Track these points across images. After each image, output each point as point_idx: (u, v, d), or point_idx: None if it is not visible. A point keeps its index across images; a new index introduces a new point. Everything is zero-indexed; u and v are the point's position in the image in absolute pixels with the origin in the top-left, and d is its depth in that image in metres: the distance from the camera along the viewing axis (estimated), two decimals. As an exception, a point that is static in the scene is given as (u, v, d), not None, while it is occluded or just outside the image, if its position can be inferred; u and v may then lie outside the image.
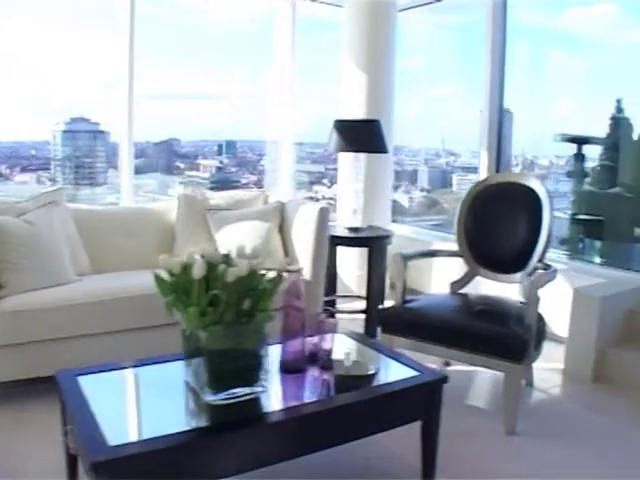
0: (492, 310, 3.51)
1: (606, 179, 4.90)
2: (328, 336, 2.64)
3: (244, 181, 6.29)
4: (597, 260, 4.84)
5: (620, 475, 2.88)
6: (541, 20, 5.13)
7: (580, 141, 4.99)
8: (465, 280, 3.96)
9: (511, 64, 5.04)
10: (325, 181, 6.59)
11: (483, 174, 5.04)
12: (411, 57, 5.99)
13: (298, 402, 2.49)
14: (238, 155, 6.41)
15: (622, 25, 4.62)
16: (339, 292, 5.02)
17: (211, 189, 5.53)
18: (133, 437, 2.15)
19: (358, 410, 2.48)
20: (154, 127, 5.68)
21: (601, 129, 4.89)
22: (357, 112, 5.23)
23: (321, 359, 2.62)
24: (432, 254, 4.23)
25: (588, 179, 5.08)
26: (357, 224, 4.73)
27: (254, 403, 2.38)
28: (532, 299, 3.27)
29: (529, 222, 3.74)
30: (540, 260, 3.68)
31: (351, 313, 4.71)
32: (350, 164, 4.91)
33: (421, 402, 2.67)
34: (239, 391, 2.37)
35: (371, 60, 5.38)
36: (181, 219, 4.34)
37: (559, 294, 4.03)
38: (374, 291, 4.53)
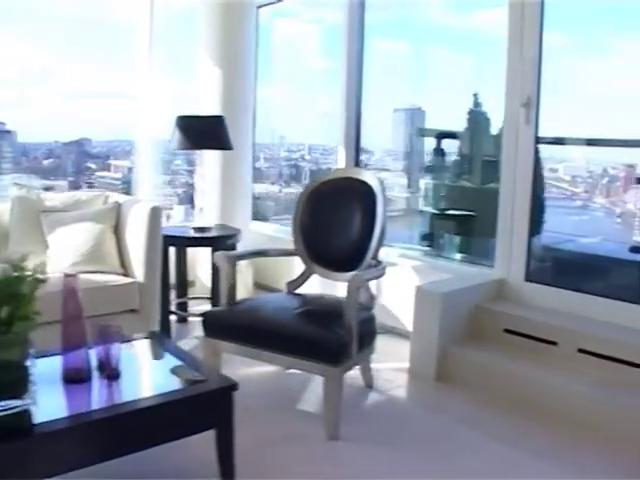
0: (318, 311, 3.38)
1: (464, 173, 4.80)
2: (115, 344, 2.53)
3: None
4: (456, 256, 4.71)
5: (442, 475, 2.80)
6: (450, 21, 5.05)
7: (441, 136, 4.88)
8: (302, 279, 3.81)
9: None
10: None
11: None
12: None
13: (73, 412, 2.36)
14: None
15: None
16: (200, 294, 4.88)
17: (124, 191, 5.44)
18: None
19: (137, 419, 2.36)
20: (64, 126, 5.54)
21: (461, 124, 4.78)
22: (212, 108, 5.04)
23: (106, 368, 2.53)
24: (263, 253, 4.04)
25: (448, 174, 4.98)
26: (204, 223, 4.53)
27: (22, 416, 2.20)
28: (350, 299, 3.13)
29: (364, 218, 3.62)
30: (374, 257, 3.53)
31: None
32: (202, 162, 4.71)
33: (208, 410, 2.53)
34: (4, 404, 2.19)
35: (227, 55, 5.19)
36: (14, 221, 4.10)
37: (410, 291, 3.93)
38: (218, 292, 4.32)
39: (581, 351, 3.58)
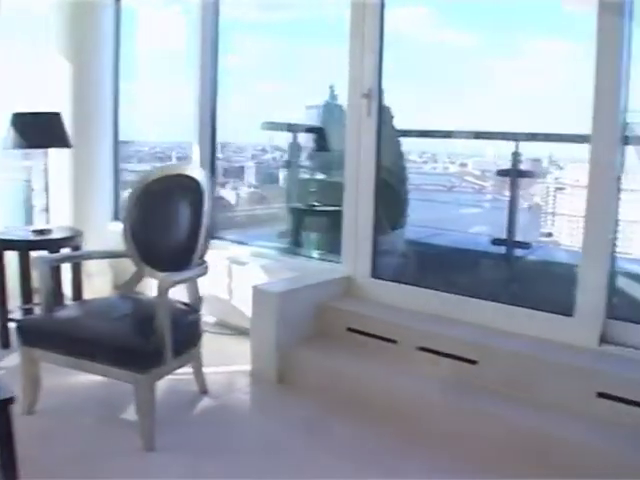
0: (136, 316, 3.20)
1: (321, 167, 4.68)
2: None
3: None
4: (313, 253, 4.57)
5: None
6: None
7: (295, 129, 4.76)
8: (133, 281, 3.63)
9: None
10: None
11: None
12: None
13: None
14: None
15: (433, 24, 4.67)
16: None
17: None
18: None
19: None
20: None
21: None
22: (61, 105, 4.78)
23: None
24: (87, 256, 3.84)
25: (306, 168, 4.85)
26: (46, 226, 4.31)
27: None
28: (160, 302, 2.97)
29: (192, 216, 3.46)
30: (201, 256, 3.37)
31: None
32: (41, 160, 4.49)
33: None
34: None
35: (78, 49, 4.98)
36: None
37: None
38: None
39: (420, 349, 3.47)
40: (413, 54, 4.54)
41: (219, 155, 4.89)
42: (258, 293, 3.68)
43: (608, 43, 3.09)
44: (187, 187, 3.50)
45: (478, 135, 4.27)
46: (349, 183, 3.95)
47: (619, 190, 3.29)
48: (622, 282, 3.57)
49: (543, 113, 3.92)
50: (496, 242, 4.50)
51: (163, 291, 2.97)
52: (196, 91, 4.75)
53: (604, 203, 3.20)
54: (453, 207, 5.49)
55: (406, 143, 4.85)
